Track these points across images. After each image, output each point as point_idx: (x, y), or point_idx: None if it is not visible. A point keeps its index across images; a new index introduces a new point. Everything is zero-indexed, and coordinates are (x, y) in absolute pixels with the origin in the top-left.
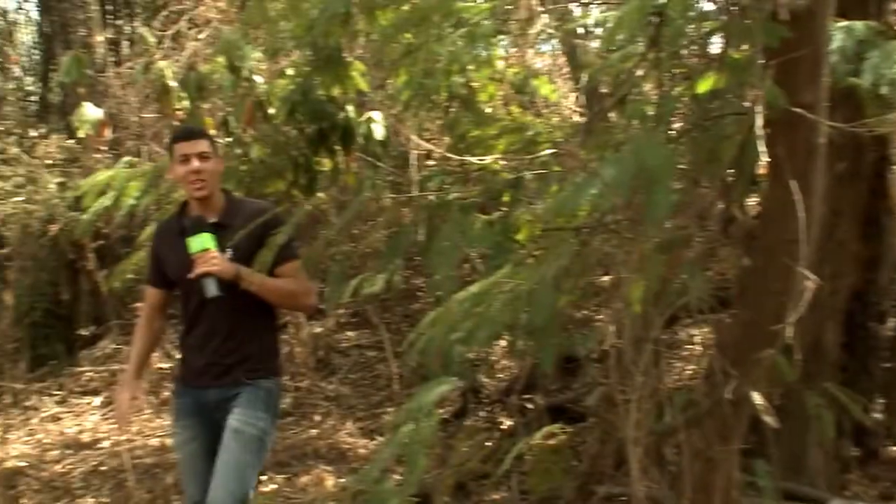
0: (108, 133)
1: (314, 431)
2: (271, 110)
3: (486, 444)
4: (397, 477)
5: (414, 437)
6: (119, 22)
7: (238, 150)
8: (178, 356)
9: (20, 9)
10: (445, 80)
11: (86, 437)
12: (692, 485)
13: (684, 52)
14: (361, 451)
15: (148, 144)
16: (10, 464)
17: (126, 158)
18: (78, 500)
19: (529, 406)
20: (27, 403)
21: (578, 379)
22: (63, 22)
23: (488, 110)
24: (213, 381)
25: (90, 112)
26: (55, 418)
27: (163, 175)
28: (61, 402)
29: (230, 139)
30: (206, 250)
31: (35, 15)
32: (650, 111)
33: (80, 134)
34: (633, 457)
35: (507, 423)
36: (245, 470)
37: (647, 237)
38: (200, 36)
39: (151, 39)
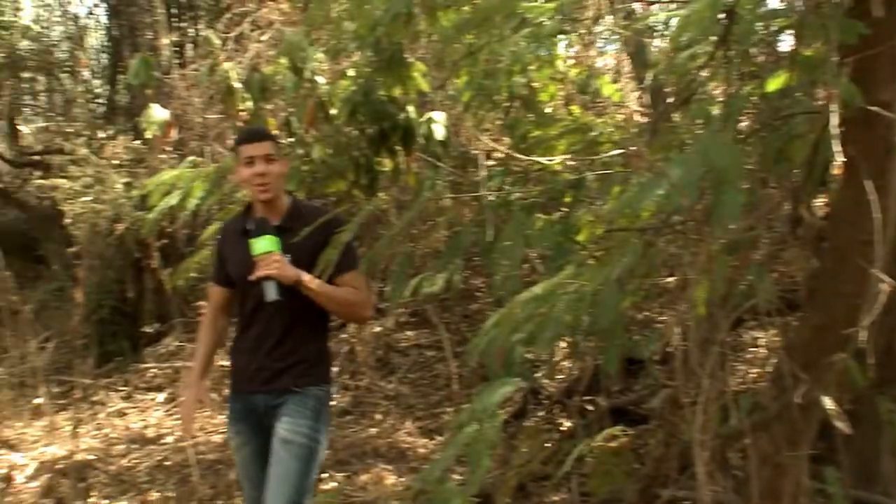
0: (174, 134)
1: (374, 430)
2: (333, 111)
3: (546, 445)
4: (457, 477)
5: (477, 437)
6: (183, 25)
7: (300, 151)
8: (230, 360)
9: (90, 14)
10: (506, 81)
11: (150, 433)
12: (760, 490)
13: (754, 50)
14: (421, 450)
15: (211, 145)
16: (79, 457)
17: (190, 159)
18: (144, 494)
19: (589, 408)
20: (95, 398)
21: (639, 381)
22: (131, 25)
23: (549, 110)
24: (261, 385)
25: (157, 113)
26: (121, 413)
27: (226, 175)
28: (127, 398)
29: (292, 140)
30: (268, 253)
31: (104, 19)
32: (716, 111)
33: (148, 135)
34: (699, 460)
35: (566, 424)
36: (297, 479)
37: (714, 238)
38: (263, 38)
39: (216, 41)
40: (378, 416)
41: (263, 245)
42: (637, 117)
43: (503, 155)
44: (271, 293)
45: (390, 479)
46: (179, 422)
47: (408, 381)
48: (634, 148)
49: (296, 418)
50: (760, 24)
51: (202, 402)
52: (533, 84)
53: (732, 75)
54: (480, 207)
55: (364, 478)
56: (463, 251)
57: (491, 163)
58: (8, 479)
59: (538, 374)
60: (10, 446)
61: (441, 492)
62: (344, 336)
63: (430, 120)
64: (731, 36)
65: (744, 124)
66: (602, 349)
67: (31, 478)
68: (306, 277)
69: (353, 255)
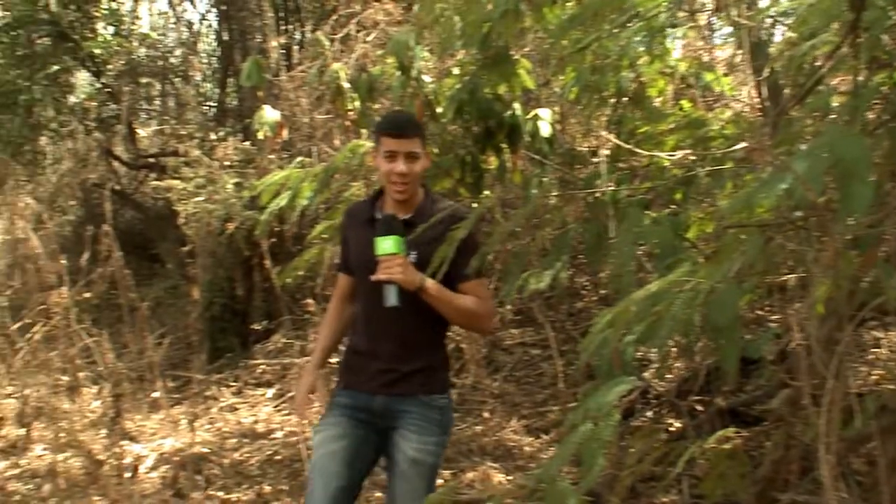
0: (284, 134)
1: (479, 428)
2: (439, 109)
3: (654, 445)
4: (568, 476)
5: (591, 436)
6: (290, 28)
7: None
8: (345, 357)
9: (203, 19)
10: (614, 76)
11: (261, 428)
12: (891, 497)
13: (885, 38)
14: (527, 448)
15: (318, 145)
16: (195, 449)
17: (299, 159)
18: (257, 487)
19: (699, 408)
20: (207, 393)
21: (751, 381)
22: (241, 30)
23: (658, 106)
24: (384, 388)
25: (269, 114)
26: (232, 408)
27: (333, 175)
28: (237, 393)
29: None
30: (393, 255)
31: (215, 24)
32: (840, 102)
33: (260, 135)
34: (824, 464)
35: (675, 424)
36: (422, 498)
37: (839, 234)
38: (369, 38)
39: (326, 43)
40: (484, 414)
41: (388, 246)
42: (751, 111)
43: (609, 152)
44: (391, 298)
45: (497, 478)
46: (292, 410)
47: (513, 380)
48: (753, 142)
49: (424, 435)
50: (893, 9)
51: (315, 392)
52: (642, 79)
53: (861, 65)
54: (587, 205)
55: (471, 475)
56: (569, 249)
57: (597, 160)
58: (134, 468)
59: (646, 374)
60: (131, 438)
61: (555, 491)
62: (448, 333)
63: (535, 117)
64: (860, 23)
65: (871, 116)
66: (719, 348)
67: (151, 468)
68: (430, 284)
69: (479, 262)
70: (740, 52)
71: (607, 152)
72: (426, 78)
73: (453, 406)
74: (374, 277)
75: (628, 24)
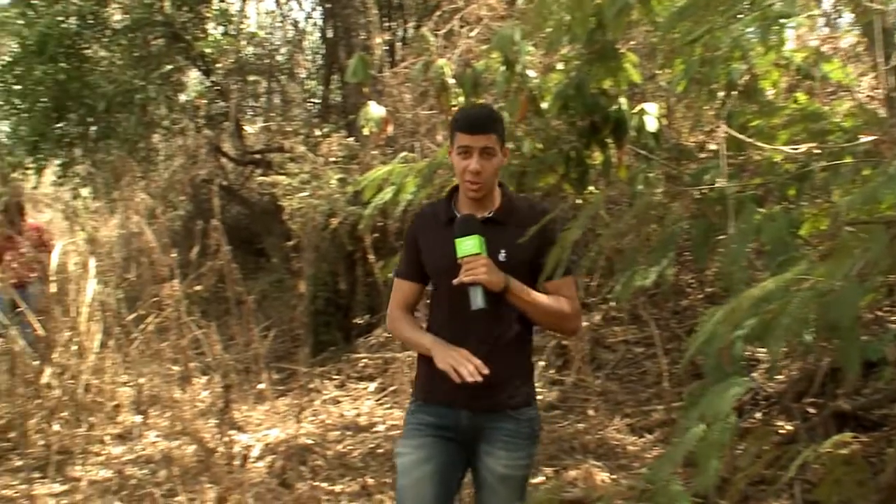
0: (389, 130)
1: (581, 426)
2: (544, 104)
3: (765, 448)
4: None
5: (706, 438)
6: (393, 24)
7: (510, 145)
8: (419, 366)
9: (308, 17)
10: (725, 68)
11: (363, 421)
12: None
13: None
14: (630, 448)
15: (422, 141)
16: (300, 441)
17: (402, 154)
18: (361, 479)
19: (811, 410)
20: (311, 386)
21: (870, 384)
22: (346, 27)
23: (771, 98)
24: (469, 401)
25: (374, 110)
26: (335, 401)
27: (437, 171)
28: (340, 387)
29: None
30: (475, 255)
31: (319, 22)
32: None
33: (365, 131)
34: None
35: (785, 427)
36: None
37: None
38: (472, 34)
39: (431, 39)
40: (589, 412)
41: (470, 246)
42: (873, 102)
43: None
44: (478, 301)
45: (600, 476)
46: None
47: (616, 378)
48: (880, 135)
49: (514, 451)
50: None
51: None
52: (754, 71)
53: None
54: (696, 201)
55: (573, 473)
56: (675, 245)
57: (705, 155)
58: (244, 458)
59: (755, 374)
60: (238, 428)
61: (666, 493)
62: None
63: (641, 111)
64: None
65: None
66: (838, 350)
67: (257, 458)
68: (515, 285)
69: (570, 258)
70: (864, 40)
71: (716, 147)
72: (531, 73)
73: (541, 395)
74: (457, 280)
75: (742, 15)
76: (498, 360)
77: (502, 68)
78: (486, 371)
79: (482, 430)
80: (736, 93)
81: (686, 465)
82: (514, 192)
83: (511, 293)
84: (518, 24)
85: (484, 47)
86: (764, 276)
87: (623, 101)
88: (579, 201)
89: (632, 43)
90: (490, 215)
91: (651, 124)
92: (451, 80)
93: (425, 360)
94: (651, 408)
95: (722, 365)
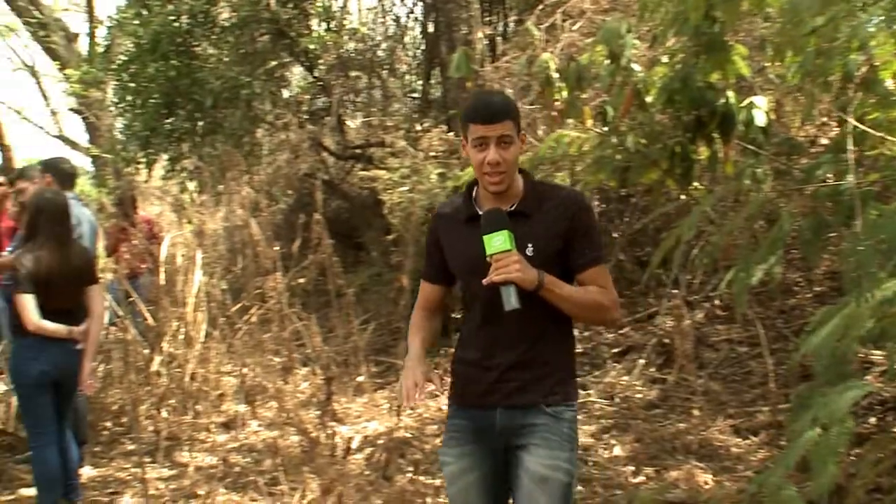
0: None
1: (682, 425)
2: (648, 98)
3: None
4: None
5: (822, 443)
6: (494, 19)
7: (613, 140)
8: (453, 369)
9: (410, 13)
10: (842, 59)
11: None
12: None
13: None
14: (734, 449)
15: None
16: (399, 434)
17: None
18: None
19: None
20: None
21: None
22: (447, 22)
23: (891, 89)
24: (502, 400)
25: None
26: (433, 395)
27: (538, 165)
28: (439, 381)
29: (606, 128)
30: (506, 252)
31: (420, 18)
32: None
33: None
34: None
35: None
36: None
37: None
38: (575, 27)
39: (536, 33)
40: (694, 412)
41: (499, 242)
42: None
43: (832, 141)
44: (511, 301)
45: (702, 478)
46: (398, 398)
47: (719, 377)
48: None
49: (552, 449)
50: None
51: (425, 381)
52: (873, 62)
53: None
54: (808, 197)
55: (675, 474)
56: (783, 243)
57: (815, 150)
58: (347, 450)
59: (869, 377)
60: (338, 420)
61: (779, 498)
62: (651, 328)
63: (750, 105)
64: None
65: None
66: None
67: (356, 450)
68: (549, 280)
69: (599, 246)
70: None
71: (827, 141)
72: (636, 66)
73: (640, 393)
74: (488, 280)
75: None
76: (535, 359)
77: (607, 62)
78: (417, 404)
79: (518, 429)
80: (853, 85)
81: (798, 469)
82: (537, 179)
83: (545, 289)
84: (624, 17)
85: (588, 41)
86: (884, 275)
87: (731, 94)
88: (683, 197)
89: (740, 35)
90: (514, 208)
91: (760, 118)
92: (555, 75)
93: (457, 363)
94: (756, 409)
95: (836, 367)
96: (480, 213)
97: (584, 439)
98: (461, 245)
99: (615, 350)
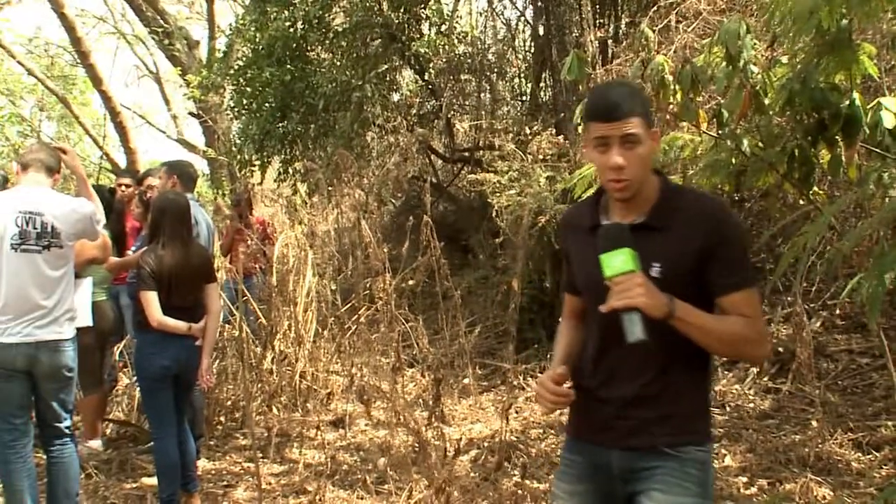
0: None
1: (798, 437)
2: (766, 100)
3: None
4: None
5: None
6: (605, 21)
7: (729, 143)
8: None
9: (521, 16)
10: None
11: (566, 419)
12: None
13: None
14: (854, 464)
15: None
16: (505, 437)
17: None
18: None
19: None
20: (514, 383)
21: None
22: (558, 24)
23: None
24: (619, 440)
25: None
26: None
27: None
28: None
29: (722, 132)
30: (628, 274)
31: (530, 20)
32: None
33: (580, 129)
34: None
35: None
36: None
37: None
38: (690, 28)
39: (650, 35)
40: (813, 423)
41: (620, 263)
42: None
43: None
44: (635, 331)
45: (820, 492)
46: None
47: (838, 389)
48: None
49: (676, 496)
50: None
51: (559, 380)
52: None
53: None
54: None
55: (789, 487)
56: None
57: None
58: (456, 451)
59: None
60: (443, 421)
61: None
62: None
63: (878, 106)
64: None
65: None
66: None
67: (462, 452)
68: (681, 308)
69: (746, 266)
70: None
71: None
72: (754, 68)
73: (752, 402)
74: (606, 307)
75: None
76: (661, 395)
77: (723, 64)
78: (565, 401)
79: (638, 473)
80: None
81: None
82: (675, 185)
83: (676, 319)
84: (742, 18)
85: (704, 42)
86: None
87: (856, 95)
88: (801, 202)
89: (868, 33)
90: (642, 220)
91: (888, 120)
92: (669, 77)
93: (574, 387)
94: (879, 423)
95: None
96: (604, 222)
97: None
98: (582, 258)
99: (726, 358)
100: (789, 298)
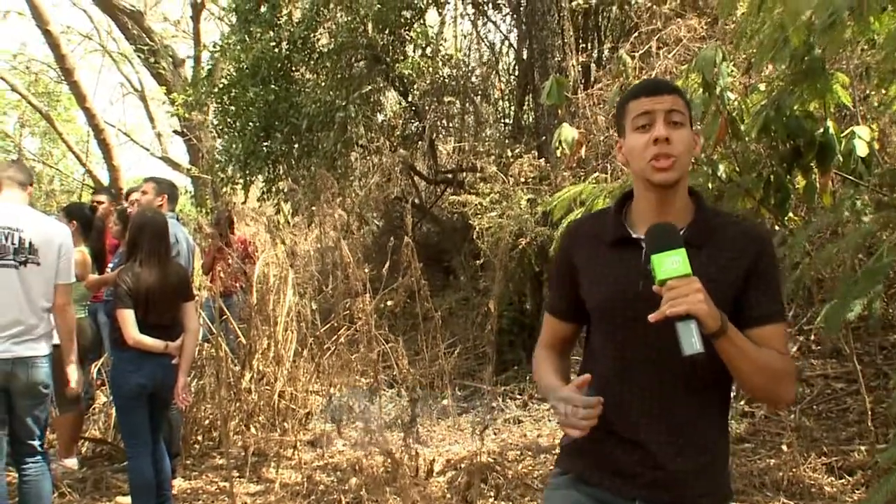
0: (582, 151)
1: (772, 461)
2: (742, 127)
3: None
4: None
5: None
6: (588, 46)
7: (705, 168)
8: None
9: (504, 39)
10: None
11: (544, 442)
12: None
13: None
14: (828, 489)
15: (614, 162)
16: (482, 458)
17: (594, 176)
18: (540, 500)
19: None
20: (494, 404)
21: None
22: (541, 49)
23: None
24: (647, 491)
25: (568, 132)
26: (517, 420)
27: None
28: (523, 407)
29: (698, 157)
30: (685, 277)
31: (514, 44)
32: None
33: (558, 153)
34: None
35: None
36: None
37: None
38: (670, 55)
39: (629, 61)
40: (785, 448)
41: (675, 265)
42: None
43: None
44: (693, 341)
45: None
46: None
47: (813, 413)
48: None
49: None
50: None
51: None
52: None
53: None
54: None
55: None
56: (885, 276)
57: None
58: (429, 471)
59: None
60: (421, 442)
61: None
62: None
63: (851, 134)
64: None
65: None
66: None
67: (439, 473)
68: (730, 324)
69: (781, 297)
70: None
71: None
72: (730, 95)
73: (744, 437)
74: (659, 314)
75: None
76: (690, 438)
77: (700, 90)
78: (598, 411)
79: None
80: None
81: None
82: (710, 205)
83: (727, 338)
84: (719, 45)
85: (682, 68)
86: None
87: (830, 124)
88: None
89: (842, 62)
90: (682, 233)
91: (861, 148)
92: None
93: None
94: (853, 447)
95: None
96: (634, 235)
97: None
98: (603, 273)
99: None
100: None
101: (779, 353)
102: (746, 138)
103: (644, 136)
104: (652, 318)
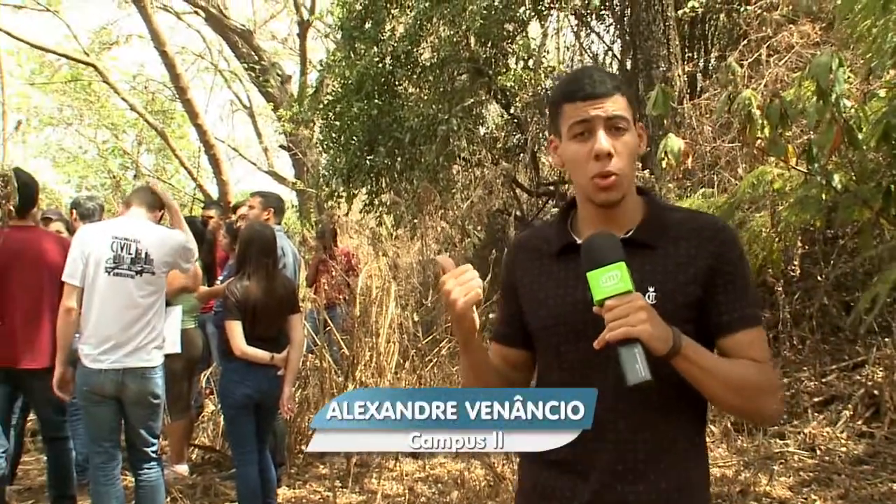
0: (688, 162)
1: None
2: (860, 135)
3: None
4: None
5: None
6: (694, 55)
7: (819, 179)
8: (521, 471)
9: (608, 50)
10: None
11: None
12: None
13: None
14: None
15: (721, 174)
16: None
17: (701, 190)
18: None
19: None
20: None
21: None
22: (646, 59)
23: None
24: None
25: (674, 142)
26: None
27: (739, 206)
28: None
29: (812, 167)
30: (625, 295)
31: (618, 54)
32: None
33: (663, 164)
34: None
35: None
36: None
37: None
38: (781, 62)
39: (738, 70)
40: None
41: (612, 282)
42: None
43: None
44: (637, 368)
45: None
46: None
47: None
48: None
49: None
50: None
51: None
52: None
53: None
54: None
55: None
56: None
57: None
58: None
59: None
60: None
61: None
62: (858, 377)
63: None
64: None
65: None
66: None
67: None
68: (688, 344)
69: (754, 299)
70: None
71: None
72: (847, 102)
73: (845, 447)
74: (600, 341)
75: None
76: (652, 464)
77: (814, 98)
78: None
79: None
80: None
81: None
82: (660, 200)
83: (682, 356)
84: (836, 51)
85: (794, 75)
86: None
87: None
88: None
89: None
90: (629, 234)
91: None
92: (757, 112)
93: (529, 462)
94: None
95: None
96: (579, 241)
97: (781, 492)
98: (545, 289)
99: (816, 399)
100: (888, 339)
101: (755, 362)
102: (864, 147)
103: (583, 146)
104: (596, 344)
